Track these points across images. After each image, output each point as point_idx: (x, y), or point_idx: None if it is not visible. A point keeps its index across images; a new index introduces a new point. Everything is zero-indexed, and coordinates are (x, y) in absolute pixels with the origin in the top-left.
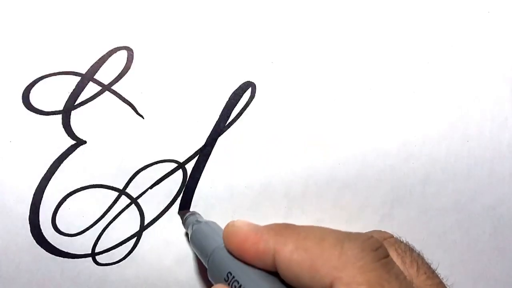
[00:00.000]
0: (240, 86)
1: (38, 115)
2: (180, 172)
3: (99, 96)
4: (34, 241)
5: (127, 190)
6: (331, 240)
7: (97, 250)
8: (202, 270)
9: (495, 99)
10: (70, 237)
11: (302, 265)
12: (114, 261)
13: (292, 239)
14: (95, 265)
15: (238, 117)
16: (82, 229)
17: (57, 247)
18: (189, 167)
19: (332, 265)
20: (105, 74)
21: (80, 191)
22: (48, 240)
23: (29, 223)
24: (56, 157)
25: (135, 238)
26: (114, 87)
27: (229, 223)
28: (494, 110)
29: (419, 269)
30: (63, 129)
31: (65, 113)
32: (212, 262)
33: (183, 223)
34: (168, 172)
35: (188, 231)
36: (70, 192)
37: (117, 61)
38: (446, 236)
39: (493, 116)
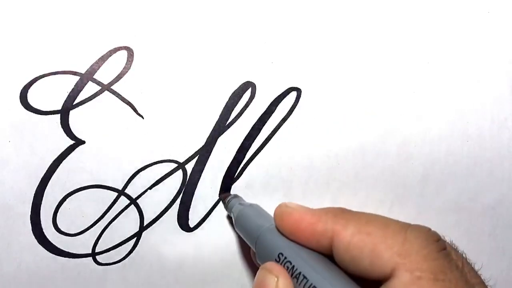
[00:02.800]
0: (240, 86)
1: (36, 114)
2: (180, 172)
3: (99, 96)
4: (36, 240)
5: (126, 191)
6: (395, 227)
7: (97, 250)
8: (203, 268)
9: (495, 99)
10: (70, 237)
11: (363, 249)
12: (114, 261)
13: (353, 223)
14: (96, 264)
15: (238, 117)
16: (82, 229)
17: (58, 246)
18: (189, 167)
19: (396, 251)
20: (104, 74)
21: (79, 191)
22: (49, 239)
23: (31, 222)
24: (55, 157)
25: (135, 238)
26: (113, 87)
27: (281, 204)
28: (494, 110)
29: (464, 266)
30: (62, 129)
31: (64, 112)
32: (261, 243)
33: (225, 206)
34: (168, 172)
35: (232, 214)
36: (70, 192)
37: (117, 61)
38: (445, 236)
39: (492, 116)
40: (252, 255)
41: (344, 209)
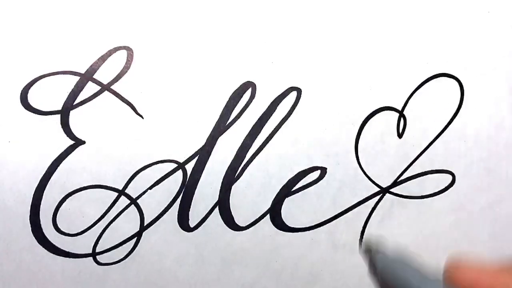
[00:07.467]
0: (240, 86)
1: (36, 115)
2: (180, 172)
3: (99, 96)
4: (35, 240)
5: (127, 191)
6: None
7: (97, 250)
8: (203, 268)
9: (493, 100)
10: (71, 237)
11: None
12: (115, 260)
13: None
14: (96, 264)
15: (238, 117)
16: (82, 229)
17: (58, 246)
18: (189, 167)
19: None
20: (104, 74)
21: (79, 191)
22: (49, 239)
23: (30, 223)
24: (55, 157)
25: (135, 238)
26: (113, 87)
27: (451, 261)
28: (492, 110)
29: None
30: (62, 129)
31: (64, 113)
32: None
33: (370, 260)
34: (168, 172)
35: (376, 267)
36: (70, 193)
37: (117, 61)
38: (445, 236)
39: (490, 116)
40: None
41: None
